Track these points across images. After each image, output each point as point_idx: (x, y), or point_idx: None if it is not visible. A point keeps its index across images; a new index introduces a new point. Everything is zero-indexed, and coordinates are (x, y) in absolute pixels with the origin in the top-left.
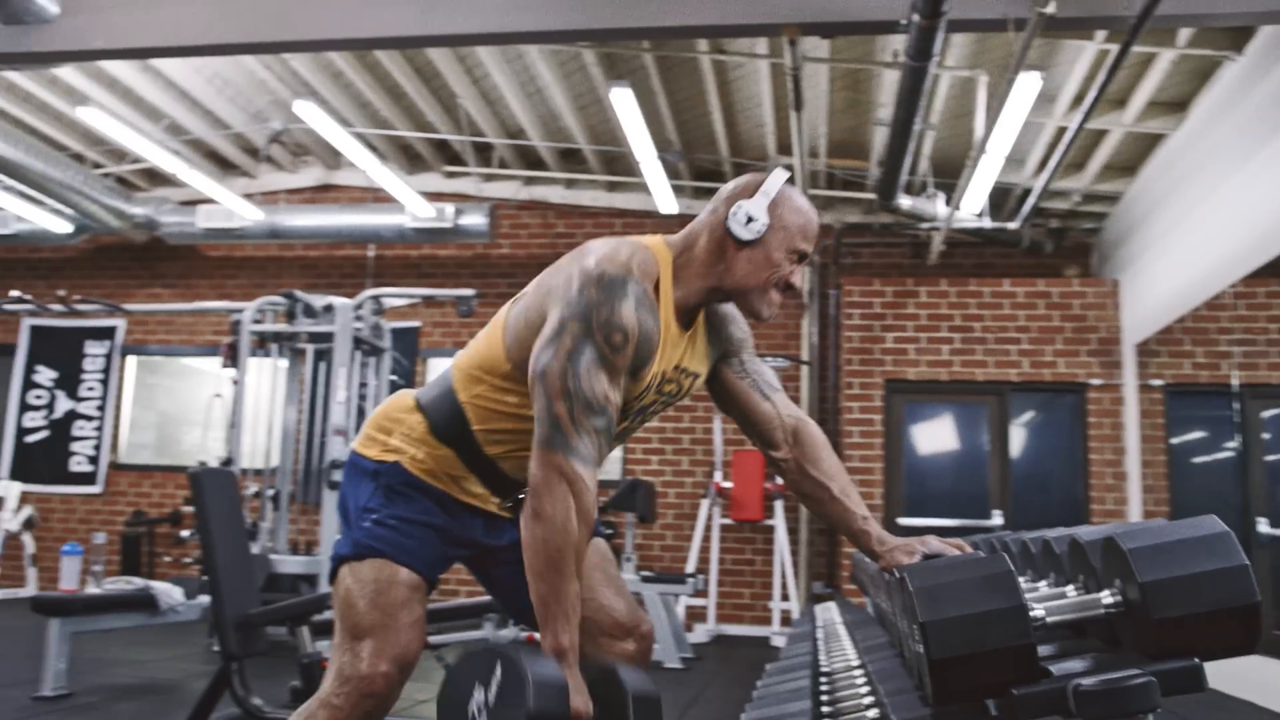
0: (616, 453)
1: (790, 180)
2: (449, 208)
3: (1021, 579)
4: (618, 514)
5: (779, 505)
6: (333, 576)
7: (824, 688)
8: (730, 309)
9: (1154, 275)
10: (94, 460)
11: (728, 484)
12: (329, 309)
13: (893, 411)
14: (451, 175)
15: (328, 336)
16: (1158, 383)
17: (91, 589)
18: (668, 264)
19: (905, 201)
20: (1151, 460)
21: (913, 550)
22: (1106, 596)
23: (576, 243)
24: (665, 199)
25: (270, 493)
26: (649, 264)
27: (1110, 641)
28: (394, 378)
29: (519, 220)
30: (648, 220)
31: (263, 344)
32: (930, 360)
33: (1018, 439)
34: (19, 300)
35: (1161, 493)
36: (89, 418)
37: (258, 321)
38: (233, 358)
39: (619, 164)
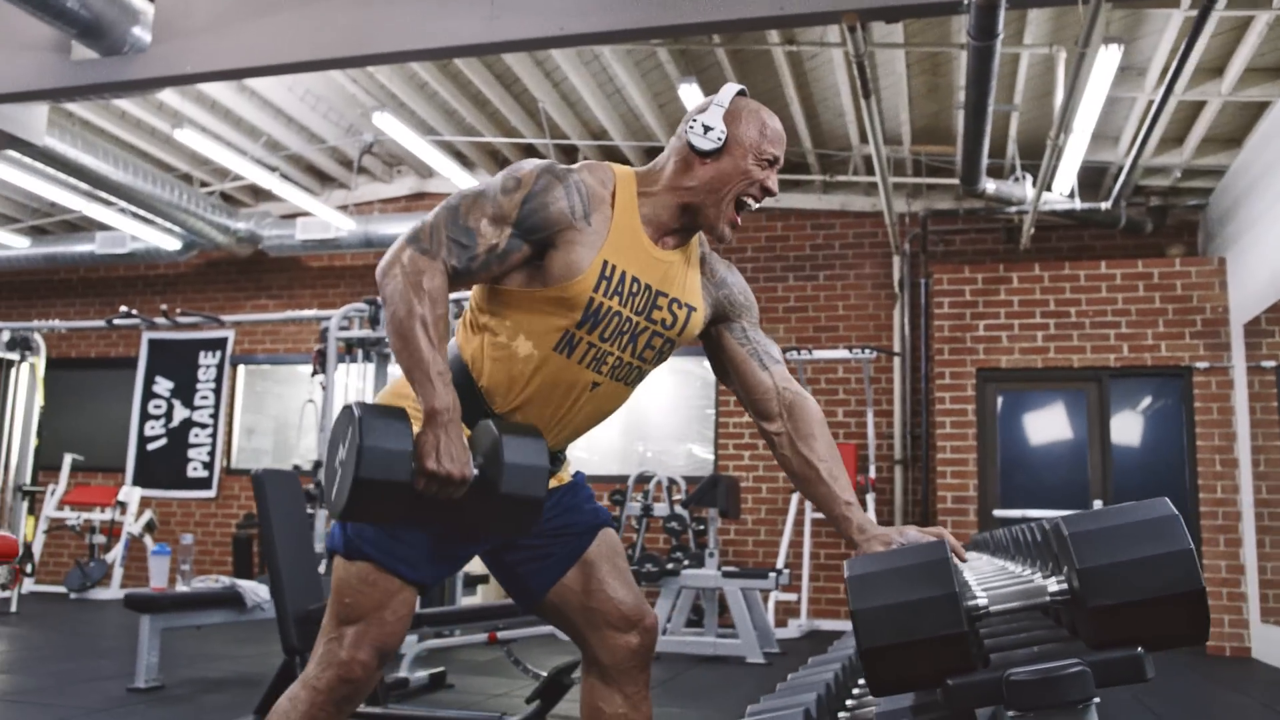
0: (706, 449)
1: (744, 93)
2: None
3: (1012, 568)
4: (700, 509)
5: (870, 499)
6: (329, 562)
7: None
8: (726, 272)
9: (1263, 250)
10: (208, 466)
11: None
12: None
13: (985, 401)
14: None
15: None
16: (1269, 364)
17: (181, 587)
18: (629, 181)
19: (990, 185)
20: (1264, 446)
21: (889, 540)
22: (1053, 584)
23: None
24: None
25: None
26: (599, 178)
27: (1072, 631)
28: None
29: None
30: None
31: (349, 350)
32: (1024, 347)
33: (1119, 426)
34: (127, 315)
35: (1276, 479)
36: (203, 425)
37: (344, 328)
38: (322, 364)
39: None
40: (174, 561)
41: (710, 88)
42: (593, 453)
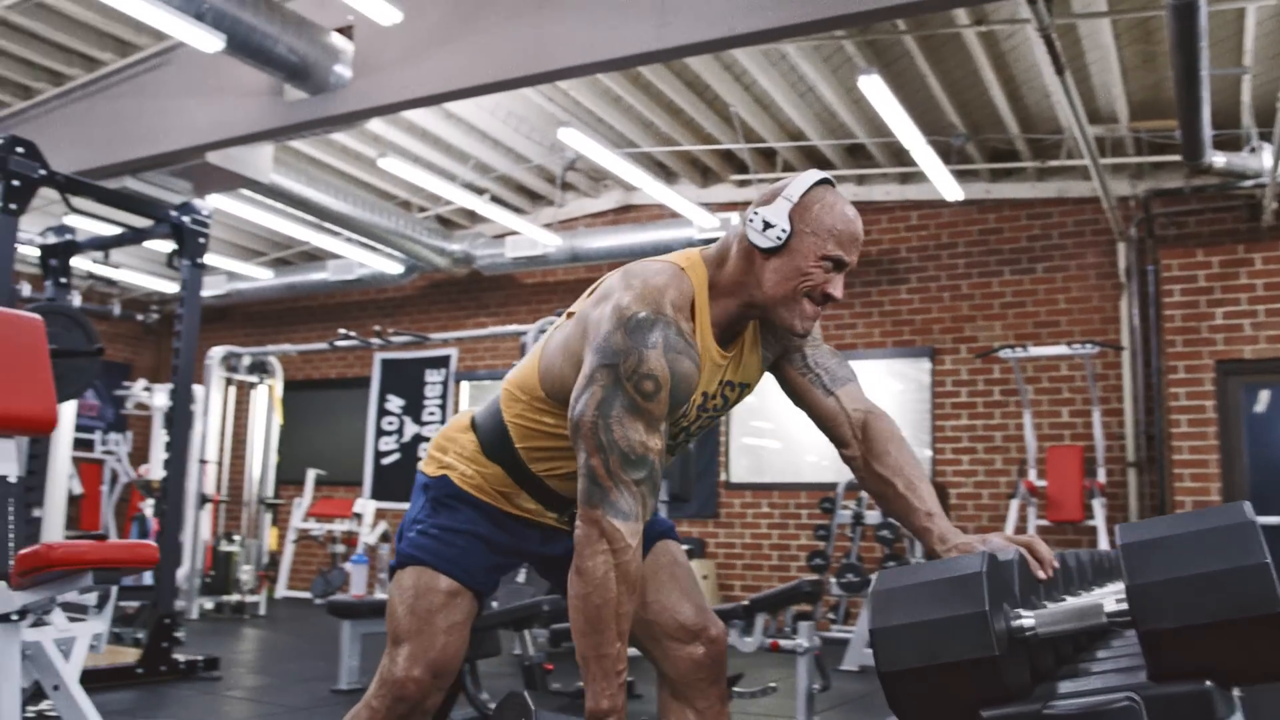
0: (924, 452)
1: (828, 183)
2: (734, 216)
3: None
4: None
5: (1098, 504)
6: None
7: None
8: None
9: None
10: None
11: (1041, 483)
12: None
13: (1227, 395)
14: (743, 184)
15: None
16: None
17: (379, 594)
18: (704, 284)
19: (1219, 159)
20: None
21: (970, 549)
22: (1111, 602)
23: (870, 241)
24: (948, 187)
25: None
26: (683, 294)
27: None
28: None
29: None
30: (944, 210)
31: None
32: (1271, 335)
33: None
34: (345, 337)
35: None
36: (431, 440)
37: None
38: None
39: (908, 155)
40: (372, 571)
41: (901, 79)
42: (803, 460)
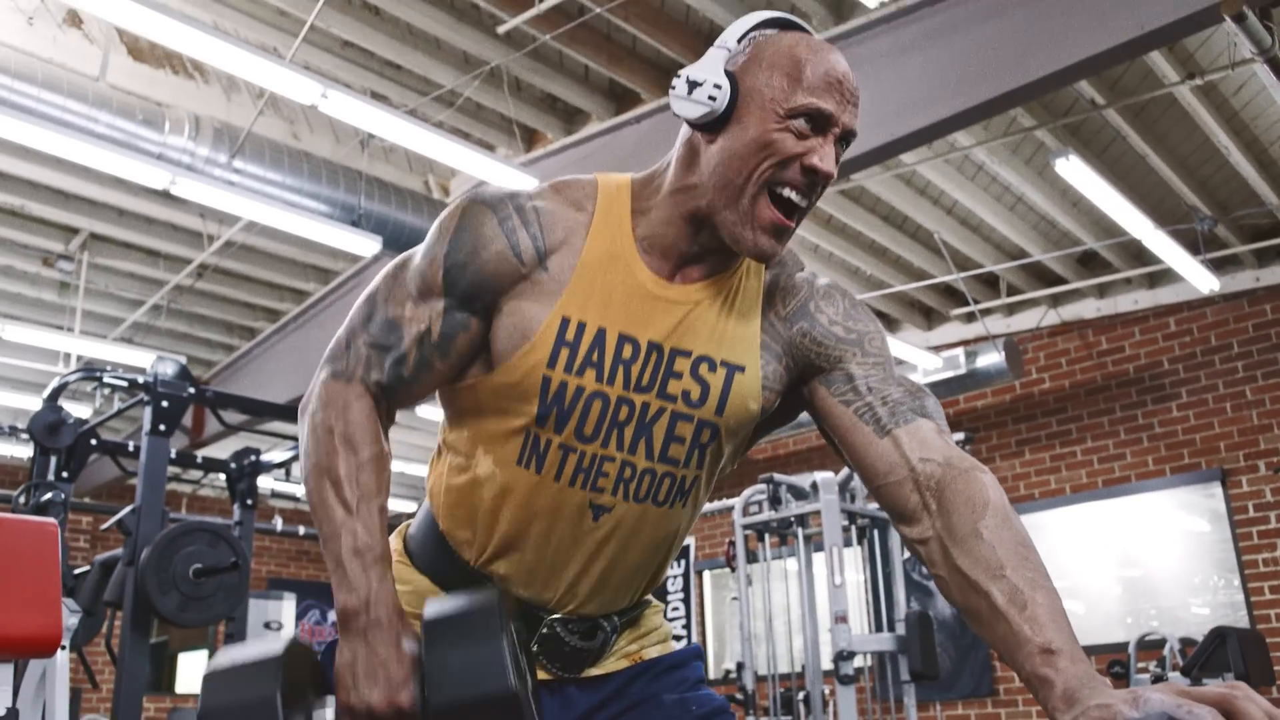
0: (1235, 596)
1: (789, 25)
2: (959, 354)
3: None
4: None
5: None
6: None
7: None
8: (808, 296)
9: None
10: None
11: None
12: (815, 487)
13: None
14: (969, 319)
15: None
16: None
17: None
18: (622, 193)
19: None
20: None
21: (1111, 715)
22: None
23: (1125, 358)
24: (1204, 280)
25: (801, 696)
26: (572, 190)
27: None
28: None
29: (1054, 348)
30: (1206, 309)
31: (760, 537)
32: None
33: None
34: None
35: None
36: (677, 637)
37: (748, 513)
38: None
39: (1150, 253)
40: None
41: (1119, 165)
42: (1089, 615)
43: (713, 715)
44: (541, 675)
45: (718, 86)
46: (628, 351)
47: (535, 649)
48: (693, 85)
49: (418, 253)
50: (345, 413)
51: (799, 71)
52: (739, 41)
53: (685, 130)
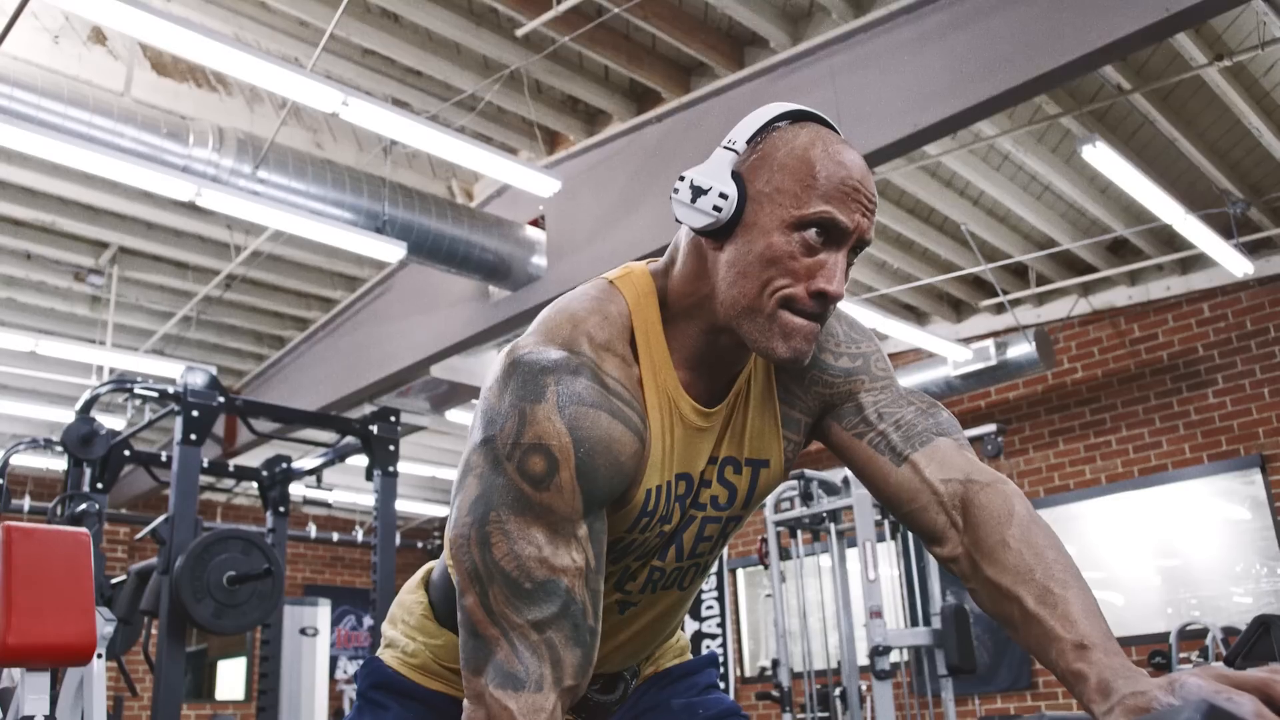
0: (1276, 582)
1: (806, 118)
2: (989, 345)
3: None
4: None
5: None
6: None
7: None
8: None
9: None
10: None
11: None
12: (847, 482)
13: None
14: (999, 310)
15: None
16: None
17: None
18: (649, 297)
19: None
20: None
21: (1150, 706)
22: None
23: (1159, 345)
24: (1237, 264)
25: (837, 692)
26: (610, 318)
27: None
28: None
29: (1086, 337)
30: (1240, 293)
31: (793, 534)
32: None
33: None
34: None
35: None
36: (712, 636)
37: (779, 510)
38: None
39: (1181, 238)
40: None
41: (1148, 150)
42: (1129, 607)
43: (721, 718)
44: None
45: (723, 196)
46: (682, 488)
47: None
48: (697, 192)
49: (517, 481)
50: None
51: (812, 175)
52: (749, 142)
53: (688, 231)
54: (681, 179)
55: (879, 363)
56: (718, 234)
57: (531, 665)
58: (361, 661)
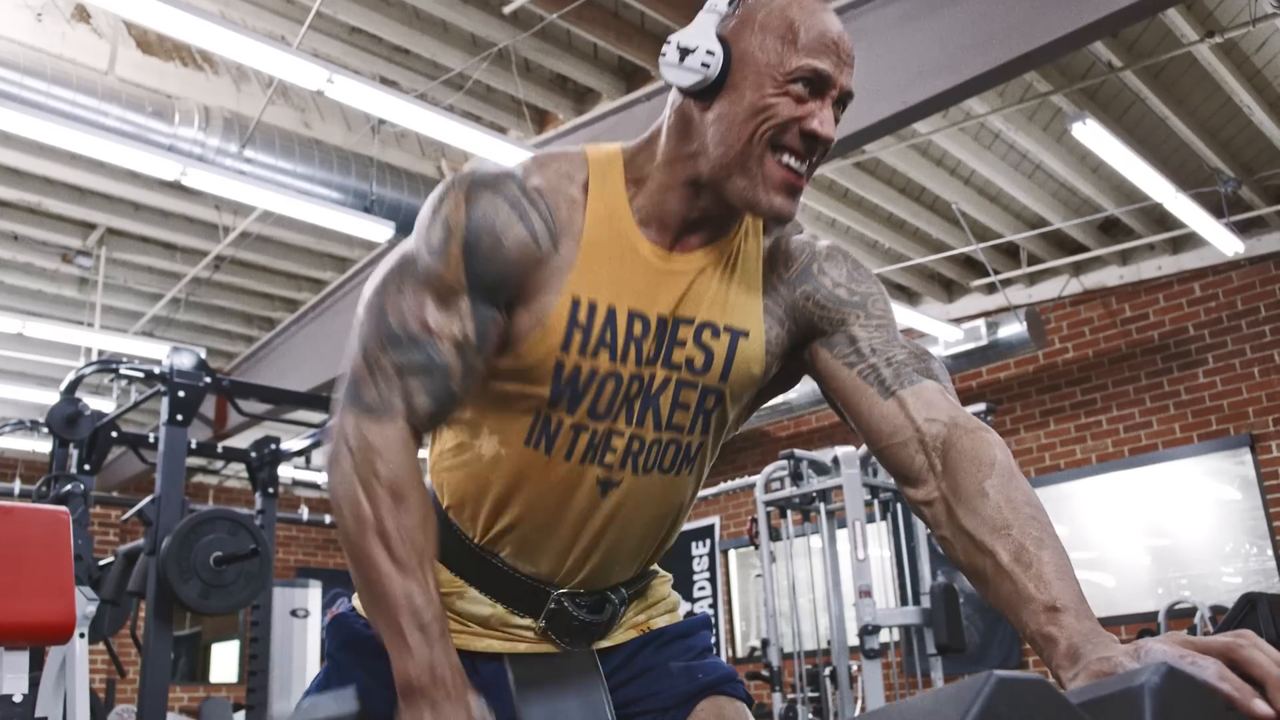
0: (1267, 564)
1: None
2: (980, 325)
3: None
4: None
5: None
6: None
7: None
8: (811, 257)
9: None
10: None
11: None
12: (837, 462)
13: None
14: (990, 290)
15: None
16: None
17: None
18: (613, 165)
19: None
20: None
21: (1114, 670)
22: None
23: (1150, 325)
24: (1228, 243)
25: (827, 671)
26: (559, 163)
27: None
28: None
29: (1077, 317)
30: (1231, 273)
31: (783, 514)
32: None
33: None
34: None
35: None
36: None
37: (769, 490)
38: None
39: (1172, 217)
40: None
41: (1139, 128)
42: (1119, 586)
43: (720, 682)
44: (550, 649)
45: (710, 53)
46: (638, 328)
47: (543, 624)
48: (684, 52)
49: (420, 251)
50: (388, 458)
51: (793, 33)
52: (729, 4)
53: (675, 96)
54: (668, 43)
55: (877, 303)
56: (704, 94)
57: (385, 396)
58: None
